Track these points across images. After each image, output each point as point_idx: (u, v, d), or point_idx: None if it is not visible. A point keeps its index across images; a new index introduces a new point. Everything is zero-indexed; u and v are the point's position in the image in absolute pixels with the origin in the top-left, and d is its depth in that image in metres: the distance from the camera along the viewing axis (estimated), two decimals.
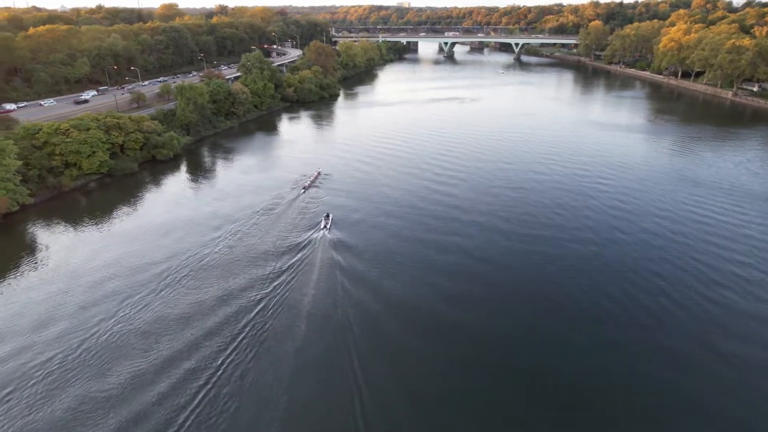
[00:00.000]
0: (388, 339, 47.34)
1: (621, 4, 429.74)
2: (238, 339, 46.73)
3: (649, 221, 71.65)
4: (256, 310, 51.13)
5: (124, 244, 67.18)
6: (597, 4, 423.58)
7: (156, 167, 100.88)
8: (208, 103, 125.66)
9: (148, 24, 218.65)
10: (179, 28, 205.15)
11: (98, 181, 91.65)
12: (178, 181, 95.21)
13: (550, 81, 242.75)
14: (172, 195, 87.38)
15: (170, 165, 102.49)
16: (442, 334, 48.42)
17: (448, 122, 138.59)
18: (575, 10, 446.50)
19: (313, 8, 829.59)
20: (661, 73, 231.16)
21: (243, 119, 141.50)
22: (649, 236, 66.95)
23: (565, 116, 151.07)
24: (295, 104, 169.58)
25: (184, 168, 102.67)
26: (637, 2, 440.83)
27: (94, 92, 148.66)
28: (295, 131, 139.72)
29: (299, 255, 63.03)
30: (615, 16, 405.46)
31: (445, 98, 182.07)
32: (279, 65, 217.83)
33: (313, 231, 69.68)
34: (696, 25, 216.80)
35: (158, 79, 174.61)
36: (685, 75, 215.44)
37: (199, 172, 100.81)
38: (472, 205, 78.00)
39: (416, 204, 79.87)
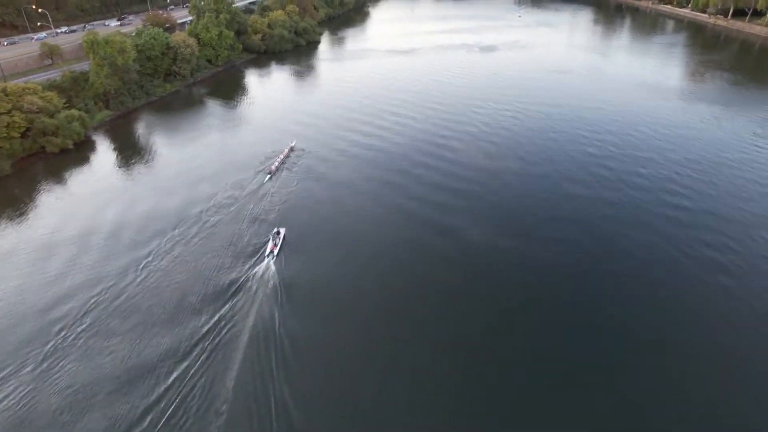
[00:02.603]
0: None
1: None
2: None
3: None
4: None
5: None
6: None
7: (47, 164, 71.68)
8: (134, 62, 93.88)
9: None
10: None
11: None
12: (73, 183, 66.64)
13: (572, 22, 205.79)
14: (59, 206, 60.05)
15: (69, 158, 73.09)
16: None
17: (454, 86, 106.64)
18: None
19: None
20: (705, 11, 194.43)
21: (190, 80, 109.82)
22: None
23: (602, 74, 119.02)
24: (262, 55, 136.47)
25: (89, 161, 73.39)
26: None
27: None
28: (261, 93, 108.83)
29: (226, 308, 42.15)
30: None
31: (451, 46, 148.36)
32: (250, 3, 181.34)
33: (257, 257, 49.95)
34: None
35: (80, 25, 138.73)
36: (737, 14, 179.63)
37: (111, 165, 72.05)
38: (484, 249, 49.74)
39: (406, 218, 55.50)
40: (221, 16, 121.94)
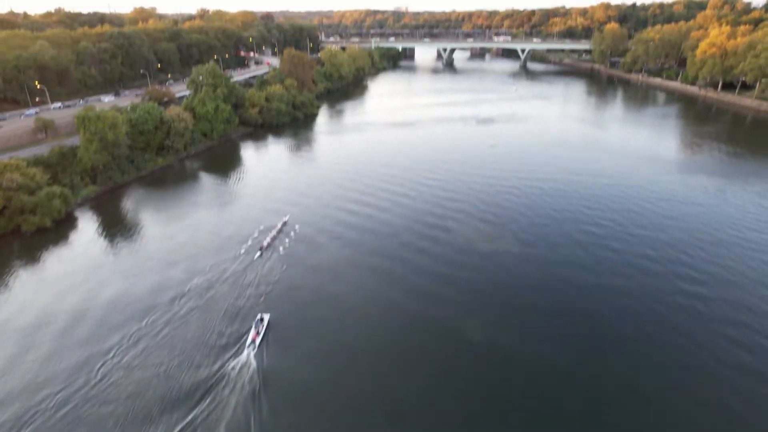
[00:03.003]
0: None
1: (634, 5, 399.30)
2: None
3: None
4: None
5: None
6: (608, 6, 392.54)
7: (22, 243, 67.94)
8: (126, 136, 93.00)
9: (96, 29, 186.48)
10: (129, 35, 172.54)
11: None
12: (44, 265, 62.62)
13: (566, 94, 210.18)
14: (21, 292, 55.71)
15: (46, 237, 69.45)
16: None
17: (450, 160, 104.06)
18: (584, 12, 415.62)
19: (309, 12, 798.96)
20: (694, 84, 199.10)
21: (184, 154, 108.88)
22: None
23: (599, 147, 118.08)
24: (259, 129, 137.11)
25: (66, 240, 69.76)
26: (646, 4, 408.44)
27: None
28: (255, 167, 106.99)
29: (195, 414, 37.84)
30: (628, 19, 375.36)
31: (447, 119, 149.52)
32: (250, 78, 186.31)
33: (236, 348, 46.03)
34: (742, 27, 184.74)
35: (75, 101, 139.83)
36: (727, 86, 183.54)
37: (88, 244, 68.41)
38: (480, 344, 45.21)
39: (399, 308, 51.05)
40: (218, 90, 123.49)
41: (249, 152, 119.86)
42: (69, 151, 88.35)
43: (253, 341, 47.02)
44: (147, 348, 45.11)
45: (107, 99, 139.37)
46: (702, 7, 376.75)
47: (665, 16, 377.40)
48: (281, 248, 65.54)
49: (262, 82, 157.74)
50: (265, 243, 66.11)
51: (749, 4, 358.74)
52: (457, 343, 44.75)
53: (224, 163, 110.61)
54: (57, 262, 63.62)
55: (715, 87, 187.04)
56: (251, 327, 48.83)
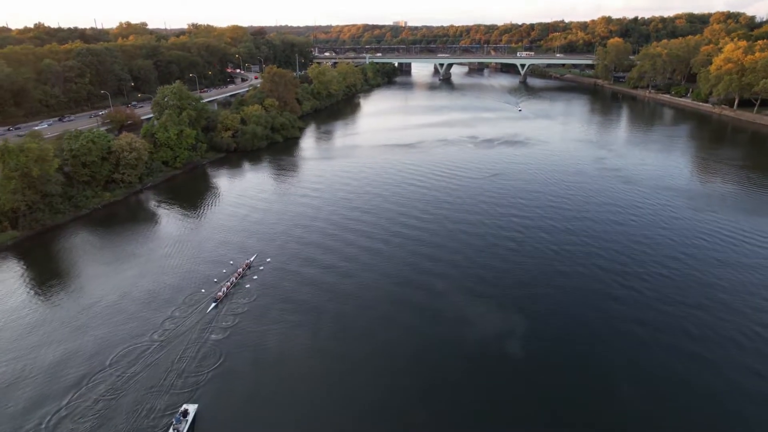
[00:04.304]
0: None
1: (636, 19, 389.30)
2: None
3: None
4: None
5: None
6: (609, 20, 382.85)
7: None
8: (61, 169, 79.00)
9: (64, 46, 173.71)
10: (99, 51, 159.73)
11: None
12: None
13: (570, 113, 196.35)
14: None
15: None
16: None
17: (441, 199, 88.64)
18: (584, 26, 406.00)
19: (308, 28, 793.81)
20: (707, 101, 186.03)
21: (139, 186, 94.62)
22: None
23: (614, 176, 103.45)
24: (232, 154, 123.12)
25: None
26: (647, 18, 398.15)
27: None
28: (221, 199, 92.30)
29: None
30: (630, 33, 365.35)
31: (443, 141, 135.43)
32: (230, 96, 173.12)
33: None
34: (760, 42, 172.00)
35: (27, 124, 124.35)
36: (743, 104, 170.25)
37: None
38: None
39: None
40: (185, 113, 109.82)
41: (216, 182, 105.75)
42: None
43: None
44: None
45: (45, 125, 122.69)
46: (704, 20, 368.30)
47: (668, 30, 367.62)
48: (239, 301, 54.58)
49: (240, 101, 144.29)
50: (221, 292, 54.94)
51: (753, 17, 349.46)
52: None
53: (186, 195, 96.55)
54: None
55: (731, 104, 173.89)
56: (170, 426, 36.53)
